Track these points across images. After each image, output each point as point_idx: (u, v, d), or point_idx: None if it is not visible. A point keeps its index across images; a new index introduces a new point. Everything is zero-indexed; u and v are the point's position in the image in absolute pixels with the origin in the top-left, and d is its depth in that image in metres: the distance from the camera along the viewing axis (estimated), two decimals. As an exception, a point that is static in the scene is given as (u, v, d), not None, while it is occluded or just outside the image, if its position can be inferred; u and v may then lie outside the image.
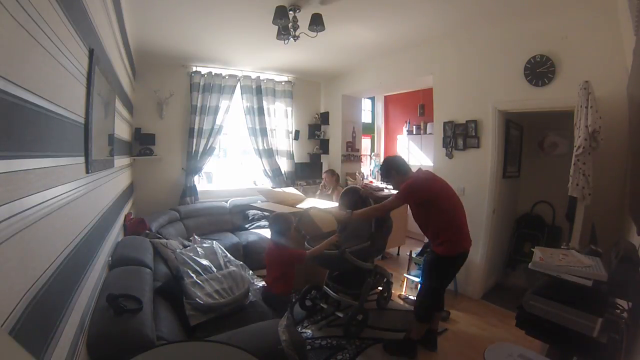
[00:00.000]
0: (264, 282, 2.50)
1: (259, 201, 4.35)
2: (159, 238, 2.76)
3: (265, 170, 5.06)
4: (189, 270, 2.17)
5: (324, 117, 5.60)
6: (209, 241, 2.80)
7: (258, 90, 4.89)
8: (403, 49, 3.89)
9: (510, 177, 3.59)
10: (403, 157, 2.72)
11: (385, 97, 6.78)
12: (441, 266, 2.31)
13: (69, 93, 1.19)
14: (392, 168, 2.46)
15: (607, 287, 1.34)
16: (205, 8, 2.73)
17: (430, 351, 2.46)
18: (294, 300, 3.19)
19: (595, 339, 1.26)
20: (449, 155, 3.57)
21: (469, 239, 2.34)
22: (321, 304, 2.97)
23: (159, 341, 1.36)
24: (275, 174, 5.08)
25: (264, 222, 4.40)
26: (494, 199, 3.26)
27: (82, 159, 1.39)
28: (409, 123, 6.17)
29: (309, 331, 2.68)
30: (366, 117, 6.69)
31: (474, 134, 3.33)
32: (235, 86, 4.69)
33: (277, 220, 2.49)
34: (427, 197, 2.26)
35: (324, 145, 5.62)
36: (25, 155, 0.82)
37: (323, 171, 5.18)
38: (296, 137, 5.42)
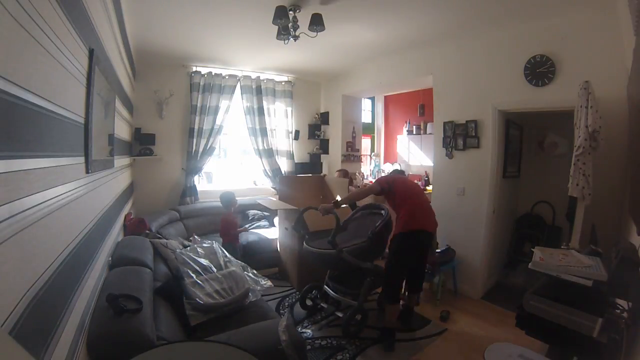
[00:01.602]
0: (270, 282, 2.51)
1: (259, 201, 4.34)
2: (159, 238, 2.76)
3: (265, 170, 5.06)
4: (189, 270, 2.17)
5: (324, 117, 5.60)
6: (209, 241, 2.80)
7: (258, 90, 4.89)
8: (403, 49, 3.89)
9: (510, 177, 3.59)
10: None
11: (385, 97, 6.78)
12: (396, 242, 2.54)
13: (69, 93, 1.19)
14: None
15: (607, 287, 1.34)
16: (205, 8, 2.73)
17: (409, 328, 2.62)
18: (294, 300, 3.20)
19: (595, 339, 1.26)
20: (449, 155, 3.57)
21: (428, 222, 2.58)
22: (321, 304, 2.97)
23: (159, 341, 1.36)
24: (275, 174, 5.07)
25: (264, 222, 4.41)
26: (494, 199, 3.26)
27: (82, 159, 1.38)
28: (409, 123, 6.18)
29: (309, 331, 2.68)
30: (366, 117, 6.69)
31: (474, 134, 3.33)
32: (235, 86, 4.69)
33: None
34: (391, 182, 2.73)
35: (324, 145, 5.61)
36: (25, 155, 0.82)
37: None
38: (296, 137, 5.42)
